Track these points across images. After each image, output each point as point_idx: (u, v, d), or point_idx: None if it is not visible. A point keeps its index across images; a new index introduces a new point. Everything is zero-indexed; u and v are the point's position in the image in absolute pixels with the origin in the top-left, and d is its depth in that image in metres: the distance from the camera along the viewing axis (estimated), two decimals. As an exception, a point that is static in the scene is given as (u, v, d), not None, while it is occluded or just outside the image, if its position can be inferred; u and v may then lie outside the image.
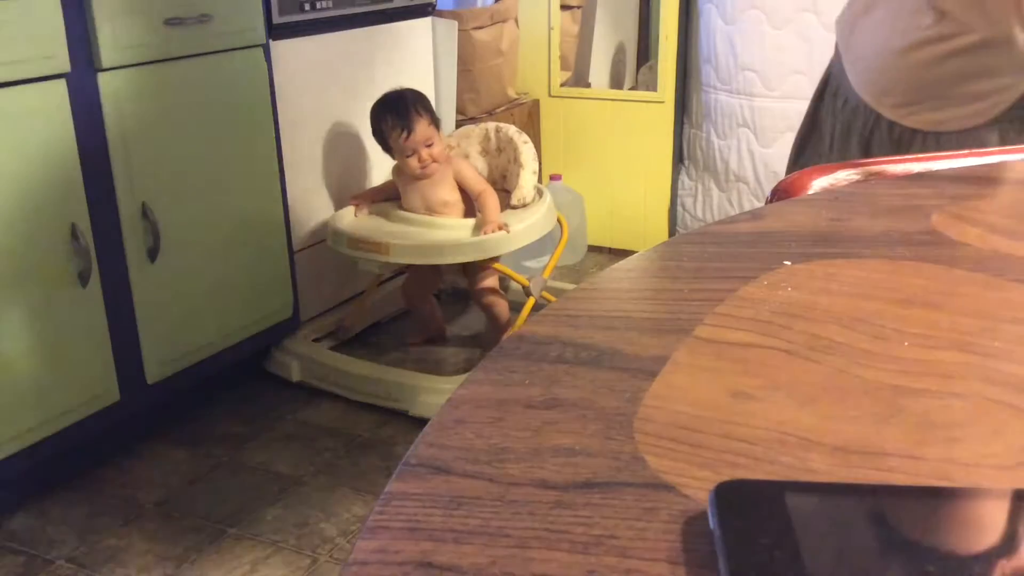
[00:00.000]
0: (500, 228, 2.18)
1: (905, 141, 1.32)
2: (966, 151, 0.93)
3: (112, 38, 1.81)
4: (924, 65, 1.26)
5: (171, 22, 1.91)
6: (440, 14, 2.78)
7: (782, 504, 0.31)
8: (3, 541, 1.78)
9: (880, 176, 0.85)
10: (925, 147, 1.29)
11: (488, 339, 2.52)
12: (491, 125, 2.48)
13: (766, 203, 0.80)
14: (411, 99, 2.25)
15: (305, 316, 2.41)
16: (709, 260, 0.58)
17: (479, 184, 2.31)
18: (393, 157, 2.32)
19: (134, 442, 2.08)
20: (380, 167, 2.59)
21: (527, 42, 3.17)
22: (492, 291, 2.40)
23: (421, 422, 2.15)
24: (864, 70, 1.36)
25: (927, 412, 0.40)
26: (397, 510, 0.34)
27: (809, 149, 1.48)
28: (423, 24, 2.69)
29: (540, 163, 3.24)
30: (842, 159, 1.42)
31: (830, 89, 1.42)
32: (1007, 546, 0.31)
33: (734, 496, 0.32)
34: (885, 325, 0.48)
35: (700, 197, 3.14)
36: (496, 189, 2.34)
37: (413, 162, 2.24)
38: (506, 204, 2.34)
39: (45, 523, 1.83)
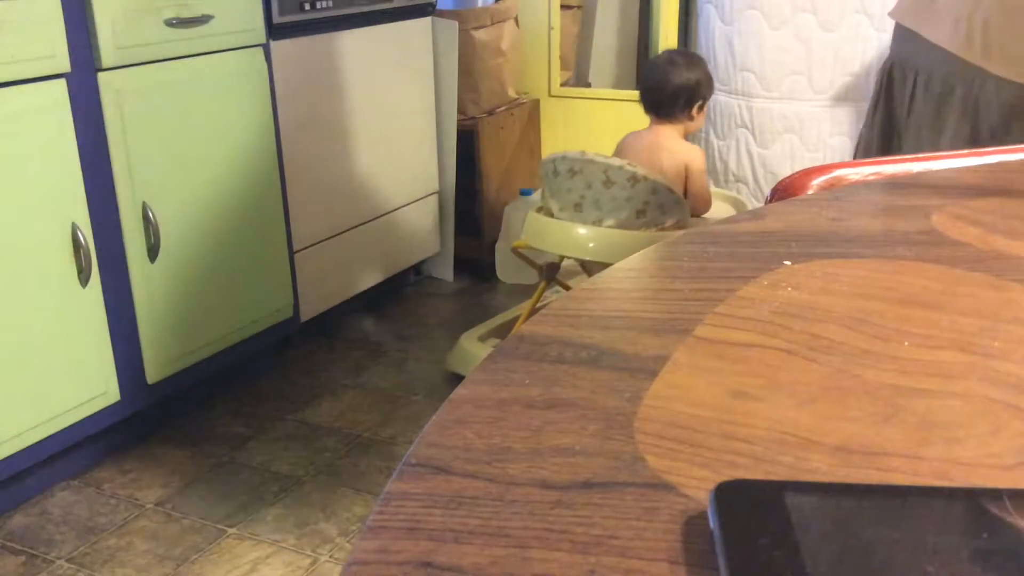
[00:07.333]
0: None
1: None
2: (966, 151, 0.93)
3: (112, 38, 1.80)
4: None
5: (171, 22, 1.91)
6: (440, 14, 2.78)
7: (782, 504, 0.31)
8: (3, 541, 1.78)
9: (880, 176, 0.85)
10: None
11: None
12: None
13: (766, 203, 0.80)
14: None
15: (305, 316, 2.41)
16: (709, 260, 0.58)
17: None
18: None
19: (134, 442, 2.08)
20: (379, 166, 2.59)
21: (527, 42, 3.17)
22: None
23: (421, 422, 2.15)
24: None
25: (927, 412, 0.40)
26: (397, 510, 0.34)
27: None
28: (423, 24, 2.69)
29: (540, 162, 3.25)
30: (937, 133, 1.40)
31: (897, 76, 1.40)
32: (1007, 546, 0.31)
33: (734, 496, 0.32)
34: (885, 325, 0.48)
35: (700, 197, 3.14)
36: None
37: None
38: None
39: (45, 523, 1.83)
